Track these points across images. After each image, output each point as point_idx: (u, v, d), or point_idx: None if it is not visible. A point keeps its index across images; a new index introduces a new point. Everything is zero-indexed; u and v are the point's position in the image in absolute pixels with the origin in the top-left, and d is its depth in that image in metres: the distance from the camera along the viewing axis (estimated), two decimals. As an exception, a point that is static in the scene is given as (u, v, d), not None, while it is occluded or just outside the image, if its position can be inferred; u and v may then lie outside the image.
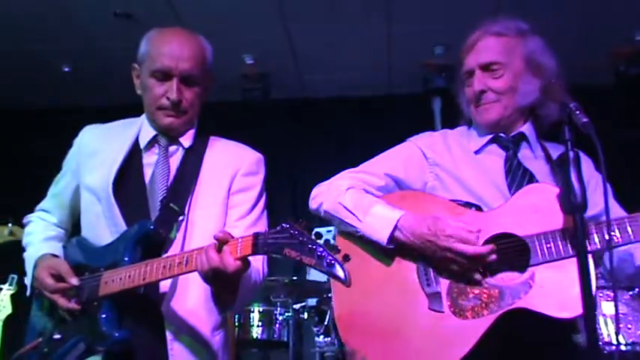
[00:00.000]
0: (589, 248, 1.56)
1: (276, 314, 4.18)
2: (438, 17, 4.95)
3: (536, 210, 1.68)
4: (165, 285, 1.76)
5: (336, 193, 1.86)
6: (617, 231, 1.62)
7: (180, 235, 1.77)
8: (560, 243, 1.63)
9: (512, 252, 1.69)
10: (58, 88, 5.70)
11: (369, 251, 1.81)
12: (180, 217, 1.78)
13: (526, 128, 1.91)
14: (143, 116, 1.96)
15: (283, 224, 1.46)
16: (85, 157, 1.93)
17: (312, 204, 1.95)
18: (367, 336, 1.75)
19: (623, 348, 2.86)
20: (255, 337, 4.14)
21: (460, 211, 1.78)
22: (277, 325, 4.17)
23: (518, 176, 1.83)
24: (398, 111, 5.88)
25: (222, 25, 5.07)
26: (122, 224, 1.79)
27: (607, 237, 1.60)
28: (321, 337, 4.10)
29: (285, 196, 6.08)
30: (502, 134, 1.91)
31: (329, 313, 4.15)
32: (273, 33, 5.21)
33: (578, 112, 1.52)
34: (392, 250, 1.77)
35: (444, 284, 1.72)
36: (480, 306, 1.67)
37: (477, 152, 1.92)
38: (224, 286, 1.64)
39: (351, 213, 1.80)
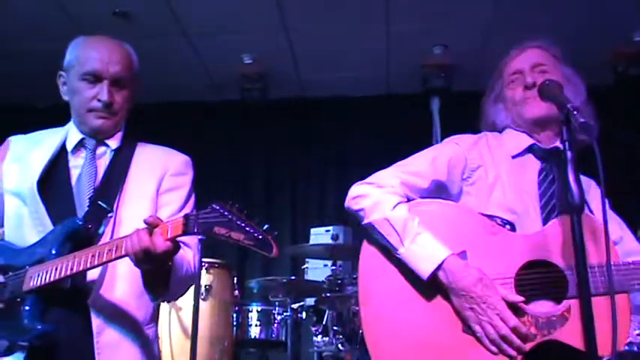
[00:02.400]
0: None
1: (274, 314, 4.19)
2: (437, 17, 4.95)
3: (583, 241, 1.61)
4: (92, 277, 1.75)
5: (384, 206, 1.78)
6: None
7: (109, 232, 1.78)
8: (599, 278, 1.59)
9: (551, 282, 1.66)
10: (57, 87, 5.69)
11: (402, 267, 1.75)
12: (109, 214, 1.80)
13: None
14: (70, 123, 1.99)
15: (213, 205, 1.48)
16: (9, 164, 1.94)
17: (352, 204, 1.86)
18: (398, 349, 1.70)
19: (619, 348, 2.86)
20: (253, 336, 4.14)
21: (495, 231, 1.74)
22: (275, 325, 4.17)
23: (551, 188, 1.81)
24: (397, 111, 5.88)
25: (221, 24, 5.07)
26: (49, 224, 1.79)
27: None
28: (319, 336, 4.10)
29: (285, 195, 6.08)
30: (539, 144, 1.90)
31: (327, 312, 4.15)
32: (272, 33, 5.20)
33: (576, 112, 1.51)
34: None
35: None
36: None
37: (514, 157, 1.90)
38: (155, 271, 1.66)
39: (397, 234, 1.73)
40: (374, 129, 5.82)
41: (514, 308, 1.64)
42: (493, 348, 1.63)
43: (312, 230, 5.21)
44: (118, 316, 1.77)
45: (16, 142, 2.01)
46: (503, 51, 2.02)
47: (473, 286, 1.64)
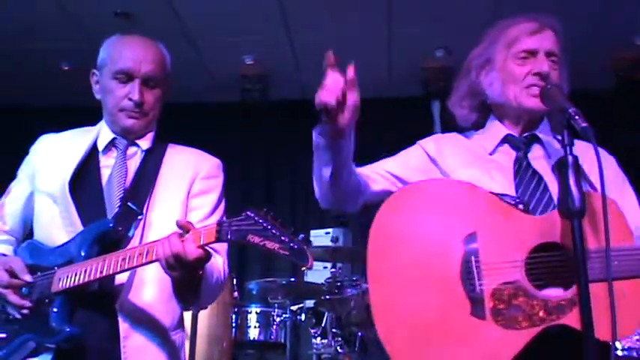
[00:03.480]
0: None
1: (273, 315, 4.18)
2: (438, 20, 4.95)
3: (591, 222, 1.59)
4: (120, 281, 1.74)
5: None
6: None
7: (138, 235, 1.76)
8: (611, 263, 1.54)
9: (562, 265, 1.62)
10: (57, 87, 5.69)
11: (411, 245, 1.72)
12: (139, 217, 1.78)
13: (540, 129, 1.88)
14: (101, 122, 1.98)
15: (247, 212, 1.46)
16: (42, 163, 1.92)
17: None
18: (405, 336, 1.66)
19: (619, 353, 2.86)
20: (252, 338, 4.14)
21: (506, 211, 1.70)
22: (274, 327, 4.17)
23: (526, 177, 1.79)
24: (398, 113, 5.88)
25: (223, 24, 5.07)
26: (79, 224, 1.78)
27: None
28: (318, 338, 4.10)
29: (285, 196, 6.08)
30: (514, 134, 1.88)
31: (326, 314, 4.14)
32: (273, 34, 5.21)
33: (577, 117, 1.51)
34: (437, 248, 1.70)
35: (487, 290, 1.64)
36: (523, 317, 1.60)
37: (491, 154, 1.89)
38: (186, 278, 1.63)
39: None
40: (374, 131, 5.79)
41: (524, 291, 1.60)
42: None
43: (312, 232, 5.20)
44: (145, 321, 1.75)
45: (47, 141, 1.99)
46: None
47: None
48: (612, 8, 4.66)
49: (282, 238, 1.42)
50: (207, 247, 1.56)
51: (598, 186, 1.62)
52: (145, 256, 1.59)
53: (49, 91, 5.84)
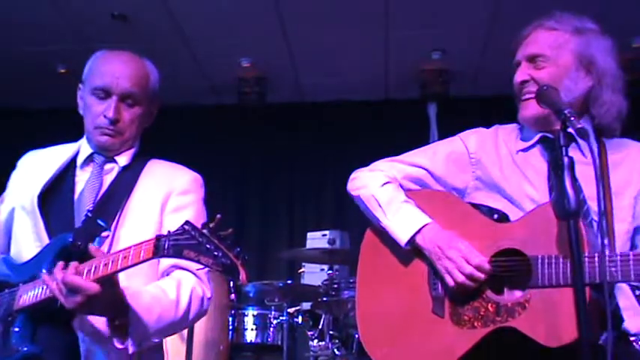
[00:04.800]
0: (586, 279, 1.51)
1: (270, 318, 4.18)
2: (435, 22, 4.96)
3: (551, 229, 1.64)
4: None
5: (373, 184, 1.92)
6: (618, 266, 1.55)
7: (105, 250, 1.69)
8: (561, 270, 1.59)
9: (517, 270, 1.67)
10: (53, 89, 5.69)
11: (391, 247, 1.87)
12: (105, 233, 1.72)
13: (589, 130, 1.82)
14: (83, 138, 1.94)
15: (184, 226, 1.42)
16: (20, 178, 1.91)
17: (349, 185, 2.01)
18: (376, 325, 1.84)
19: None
20: (249, 340, 4.13)
21: (478, 219, 1.79)
22: (271, 329, 4.16)
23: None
24: (395, 116, 5.89)
25: (220, 27, 5.07)
26: (46, 239, 1.74)
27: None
28: (315, 341, 4.10)
29: (282, 199, 6.08)
30: (550, 135, 1.83)
31: (323, 317, 4.14)
32: (271, 36, 5.21)
33: (573, 117, 1.51)
34: (409, 252, 1.83)
35: (448, 291, 1.75)
36: (476, 318, 1.69)
37: (524, 150, 1.87)
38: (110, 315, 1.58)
39: (381, 208, 1.86)
40: (372, 134, 5.83)
41: (475, 292, 1.70)
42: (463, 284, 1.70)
43: (309, 234, 5.21)
44: (104, 341, 1.68)
45: (31, 156, 1.97)
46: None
47: (443, 243, 1.75)
48: (609, 10, 4.68)
49: (215, 253, 1.37)
50: (106, 277, 1.49)
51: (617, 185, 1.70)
52: (92, 273, 1.52)
53: (45, 93, 5.83)
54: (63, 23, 4.98)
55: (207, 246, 1.38)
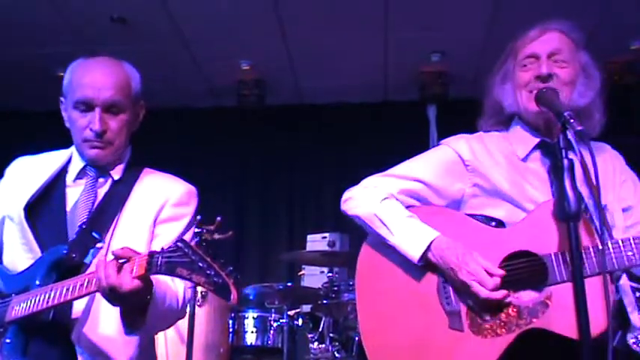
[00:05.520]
0: (608, 267, 1.55)
1: (270, 320, 4.17)
2: (435, 25, 4.96)
3: (556, 226, 1.65)
4: (77, 311, 1.69)
5: (372, 202, 1.85)
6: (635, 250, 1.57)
7: None
8: (593, 260, 1.59)
9: (531, 271, 1.66)
10: (52, 92, 5.69)
11: (394, 263, 1.81)
12: (99, 245, 1.71)
13: (571, 134, 1.83)
14: (73, 147, 1.91)
15: (178, 243, 1.43)
16: (11, 186, 1.88)
17: (344, 207, 1.93)
18: (389, 351, 1.76)
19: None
20: (249, 343, 4.13)
21: (479, 228, 1.77)
22: (271, 332, 4.16)
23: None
24: (394, 118, 5.89)
25: (219, 30, 5.07)
26: (37, 250, 1.73)
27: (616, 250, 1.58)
28: (316, 343, 4.09)
29: (282, 201, 6.08)
30: (547, 139, 1.84)
31: (323, 319, 4.14)
32: (270, 39, 5.21)
33: (572, 120, 1.52)
34: (419, 267, 1.77)
35: (463, 302, 1.72)
36: (498, 325, 1.65)
37: (523, 160, 1.86)
38: (128, 306, 1.58)
39: (385, 225, 1.80)
40: (371, 136, 5.83)
41: (498, 304, 1.66)
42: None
43: (309, 237, 5.21)
44: (102, 354, 1.68)
45: (19, 164, 1.95)
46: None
47: (458, 258, 1.69)
48: (608, 13, 4.68)
49: (208, 272, 1.38)
50: (148, 278, 1.50)
51: (610, 187, 1.70)
52: (85, 287, 1.54)
53: (45, 95, 5.83)
54: (62, 26, 4.98)
55: (200, 264, 1.38)
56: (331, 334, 4.06)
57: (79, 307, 1.69)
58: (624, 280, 1.69)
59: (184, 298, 1.79)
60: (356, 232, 1.95)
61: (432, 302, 1.74)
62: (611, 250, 1.58)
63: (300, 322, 4.29)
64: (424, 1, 4.70)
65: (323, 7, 4.78)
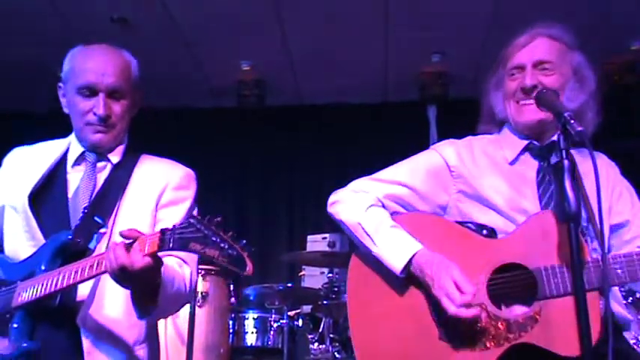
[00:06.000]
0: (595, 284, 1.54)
1: (270, 321, 4.17)
2: (435, 25, 4.96)
3: (548, 239, 1.64)
4: (82, 295, 1.71)
5: (357, 209, 1.84)
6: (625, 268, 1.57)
7: (102, 248, 1.71)
8: (567, 278, 1.59)
9: (521, 284, 1.65)
10: (53, 92, 5.69)
11: (384, 273, 1.79)
12: (102, 229, 1.74)
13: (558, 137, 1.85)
14: (72, 135, 1.94)
15: (190, 219, 1.43)
16: (10, 176, 1.90)
17: (330, 210, 1.92)
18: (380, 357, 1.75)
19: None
20: (249, 344, 4.13)
21: (470, 238, 1.75)
22: (272, 332, 4.16)
23: (549, 190, 1.78)
24: (394, 118, 5.89)
25: (219, 30, 5.07)
26: (41, 238, 1.75)
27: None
28: (316, 344, 4.09)
29: (282, 202, 6.08)
30: (535, 142, 1.85)
31: (323, 320, 4.14)
32: (271, 40, 5.22)
33: (572, 120, 1.51)
34: (405, 279, 1.76)
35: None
36: (487, 338, 1.64)
37: (511, 163, 1.86)
38: (139, 287, 1.60)
39: (369, 236, 1.79)
40: (371, 136, 5.83)
41: (488, 312, 1.65)
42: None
43: (309, 237, 5.20)
44: (108, 336, 1.71)
45: (17, 154, 1.97)
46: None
47: (430, 272, 1.68)
48: (608, 14, 4.68)
49: (221, 245, 1.38)
50: (157, 256, 1.51)
51: (592, 192, 1.64)
52: (95, 268, 1.55)
53: (45, 96, 5.83)
54: (63, 26, 4.98)
55: (213, 238, 1.39)
56: (331, 335, 4.06)
57: (84, 290, 1.71)
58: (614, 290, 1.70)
59: (191, 281, 1.81)
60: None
61: (423, 313, 1.72)
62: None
63: (300, 322, 4.29)
64: (424, 1, 4.70)
65: (323, 7, 4.78)
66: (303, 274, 4.94)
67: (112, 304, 1.74)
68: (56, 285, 1.61)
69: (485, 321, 1.65)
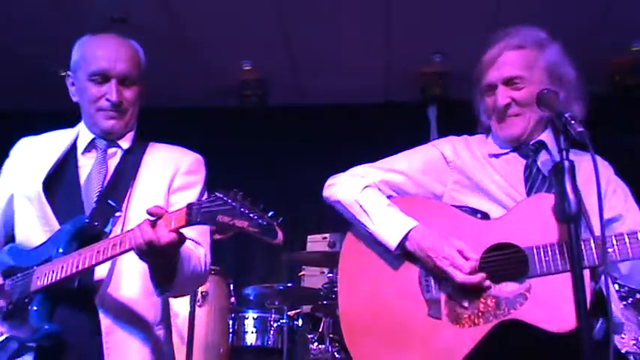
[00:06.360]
0: (585, 263, 1.56)
1: (270, 321, 4.17)
2: (436, 25, 4.96)
3: (540, 220, 1.68)
4: (100, 275, 1.73)
5: (354, 189, 1.90)
6: (615, 246, 1.60)
7: (118, 231, 1.74)
8: (558, 256, 1.63)
9: (512, 262, 1.69)
10: (53, 92, 5.69)
11: (376, 251, 1.85)
12: (117, 213, 1.77)
13: (545, 136, 1.90)
14: (80, 123, 1.97)
15: (216, 193, 1.44)
16: (19, 165, 1.92)
17: (326, 192, 2.00)
18: (367, 337, 1.80)
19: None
20: (249, 343, 4.13)
21: (464, 219, 1.80)
22: (271, 332, 4.16)
23: (537, 183, 1.83)
24: (395, 118, 5.89)
25: (221, 30, 5.08)
26: (55, 224, 1.77)
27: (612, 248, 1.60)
28: (315, 344, 4.09)
29: (282, 202, 6.07)
30: (520, 147, 1.92)
31: (323, 320, 4.14)
32: (272, 39, 5.22)
33: (573, 121, 1.52)
34: (398, 256, 1.81)
35: (443, 291, 1.75)
36: (476, 315, 1.68)
37: (497, 156, 1.93)
38: (160, 263, 1.62)
39: (365, 212, 1.85)
40: (372, 136, 5.82)
41: (476, 288, 1.69)
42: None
43: (309, 237, 5.20)
44: (126, 316, 1.74)
45: (25, 143, 1.99)
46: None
47: (434, 244, 1.74)
48: (609, 15, 4.68)
49: (251, 215, 1.39)
50: (180, 232, 1.54)
51: (591, 193, 1.64)
52: (119, 246, 1.57)
53: (46, 95, 5.83)
54: (63, 26, 4.97)
55: (242, 209, 1.40)
56: (331, 335, 4.06)
57: (102, 271, 1.73)
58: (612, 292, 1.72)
59: (206, 262, 1.85)
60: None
61: (413, 290, 1.77)
62: (593, 246, 1.61)
63: (300, 322, 4.29)
64: (425, 1, 4.70)
65: (324, 7, 4.78)
66: (303, 274, 4.94)
67: (130, 283, 1.76)
68: (77, 266, 1.63)
69: (476, 298, 1.69)
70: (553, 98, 1.68)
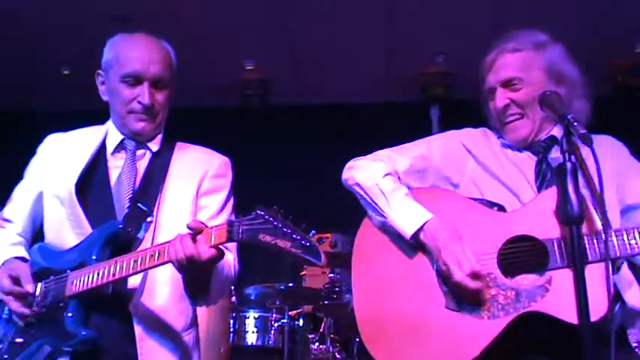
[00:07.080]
0: (611, 255, 1.56)
1: (271, 321, 4.18)
2: (437, 26, 4.96)
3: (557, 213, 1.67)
4: (133, 284, 1.74)
5: (375, 173, 1.90)
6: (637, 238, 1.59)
7: (149, 236, 1.75)
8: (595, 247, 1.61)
9: (531, 255, 1.69)
10: (56, 91, 5.69)
11: (394, 240, 1.85)
12: (149, 218, 1.77)
13: (557, 131, 1.89)
14: (109, 122, 1.96)
15: (257, 211, 1.45)
16: (49, 164, 1.91)
17: (345, 174, 1.99)
18: (385, 330, 1.78)
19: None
20: (250, 343, 4.13)
21: (482, 211, 1.80)
22: (272, 332, 4.16)
23: (547, 178, 1.84)
24: (396, 118, 5.88)
25: (223, 30, 5.08)
26: (87, 226, 1.77)
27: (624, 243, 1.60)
28: (316, 344, 4.09)
29: (284, 202, 6.06)
30: (534, 139, 1.92)
31: (324, 320, 4.14)
32: (274, 39, 5.22)
33: (576, 123, 1.52)
34: (413, 246, 1.81)
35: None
36: (496, 307, 1.67)
37: (511, 157, 1.93)
38: (197, 276, 1.64)
39: (385, 196, 1.85)
40: (373, 136, 5.79)
41: (497, 282, 1.68)
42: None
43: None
44: (159, 323, 1.75)
45: (54, 141, 1.98)
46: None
47: (443, 238, 1.74)
48: (611, 16, 4.67)
49: (294, 236, 1.40)
50: (220, 247, 1.55)
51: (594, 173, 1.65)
52: (156, 258, 1.58)
53: (48, 95, 5.84)
54: (64, 25, 4.98)
55: (285, 229, 1.40)
56: (332, 335, 4.06)
57: (135, 279, 1.73)
58: (625, 269, 1.71)
59: (235, 267, 1.86)
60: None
61: (430, 281, 1.77)
62: (614, 238, 1.60)
63: (301, 322, 4.29)
64: (427, 2, 4.69)
65: (326, 8, 4.78)
66: (305, 274, 4.94)
67: (162, 291, 1.77)
68: (114, 274, 1.63)
69: (496, 290, 1.68)
70: (555, 100, 1.68)
